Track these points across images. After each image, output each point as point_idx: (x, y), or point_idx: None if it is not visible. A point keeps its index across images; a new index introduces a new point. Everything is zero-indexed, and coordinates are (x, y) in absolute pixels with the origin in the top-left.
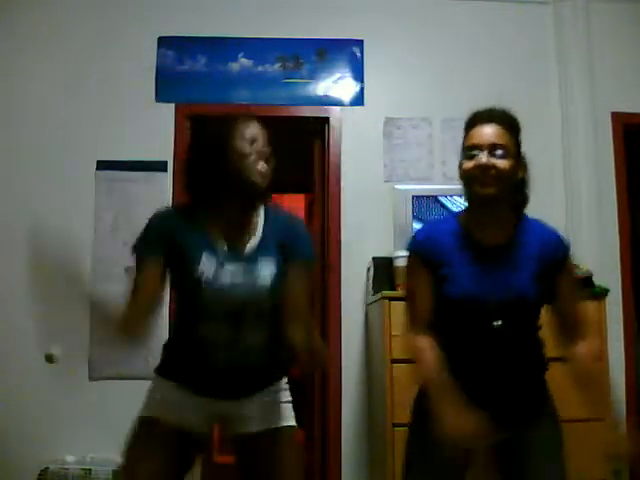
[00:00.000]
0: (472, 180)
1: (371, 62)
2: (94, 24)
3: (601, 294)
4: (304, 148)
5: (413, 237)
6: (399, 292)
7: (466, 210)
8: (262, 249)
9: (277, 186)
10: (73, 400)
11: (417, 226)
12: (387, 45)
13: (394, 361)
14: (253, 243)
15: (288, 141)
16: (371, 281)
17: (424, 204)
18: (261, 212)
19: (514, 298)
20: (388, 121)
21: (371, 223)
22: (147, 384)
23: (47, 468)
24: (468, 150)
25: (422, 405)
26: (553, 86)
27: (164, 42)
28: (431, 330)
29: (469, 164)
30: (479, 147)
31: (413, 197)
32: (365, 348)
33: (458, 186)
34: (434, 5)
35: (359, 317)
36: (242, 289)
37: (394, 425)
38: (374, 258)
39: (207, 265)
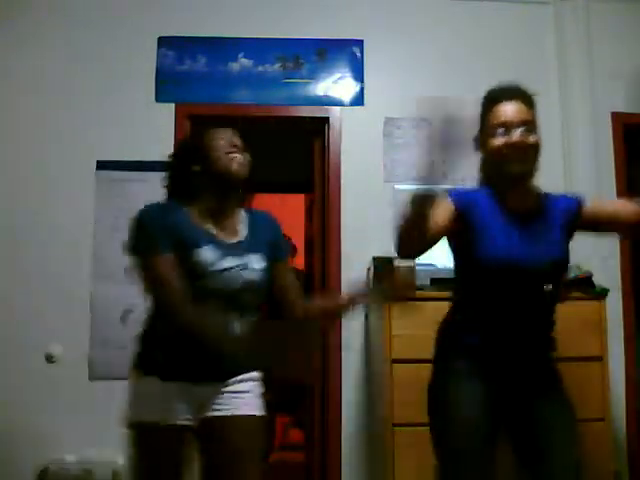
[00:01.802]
0: (505, 158)
1: (371, 62)
2: (94, 24)
3: (601, 294)
4: (304, 148)
5: (450, 190)
6: None
7: (492, 185)
8: (252, 245)
9: (277, 186)
10: (73, 400)
11: None
12: (387, 45)
13: (394, 361)
14: (241, 237)
15: (288, 141)
16: (371, 281)
17: None
18: (241, 211)
19: (556, 261)
20: (388, 121)
21: (371, 223)
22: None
23: (47, 468)
24: (494, 128)
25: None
26: (553, 86)
27: (164, 42)
28: (461, 291)
29: (499, 142)
30: (508, 124)
31: None
32: (365, 348)
33: (458, 186)
34: (434, 5)
35: (359, 317)
36: (239, 277)
37: (394, 425)
38: (374, 258)
39: (210, 253)
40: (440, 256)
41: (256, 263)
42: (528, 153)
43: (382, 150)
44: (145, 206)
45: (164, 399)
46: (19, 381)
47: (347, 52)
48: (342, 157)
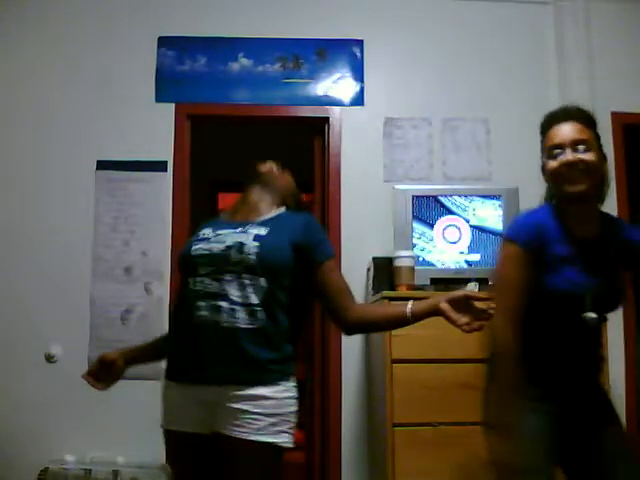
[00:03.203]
0: (560, 179)
1: (371, 62)
2: (94, 24)
3: None
4: (304, 148)
5: (515, 223)
6: (399, 292)
7: (556, 206)
8: (260, 225)
9: None
10: (73, 400)
11: (417, 226)
12: (387, 45)
13: (394, 361)
14: (257, 219)
15: (288, 141)
16: (371, 281)
17: (424, 204)
18: (281, 208)
19: (615, 293)
20: (388, 121)
21: (371, 223)
22: (147, 384)
23: (47, 468)
24: (550, 150)
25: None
26: (553, 86)
27: (164, 42)
28: (518, 321)
29: (554, 163)
30: (561, 145)
31: (413, 197)
32: (365, 348)
33: (458, 186)
34: (434, 5)
35: None
36: (226, 240)
37: (394, 425)
38: (374, 258)
39: (206, 229)
40: (440, 256)
41: (256, 232)
42: (582, 172)
43: (382, 150)
44: None
45: (180, 405)
46: (19, 381)
47: (347, 52)
48: (342, 157)
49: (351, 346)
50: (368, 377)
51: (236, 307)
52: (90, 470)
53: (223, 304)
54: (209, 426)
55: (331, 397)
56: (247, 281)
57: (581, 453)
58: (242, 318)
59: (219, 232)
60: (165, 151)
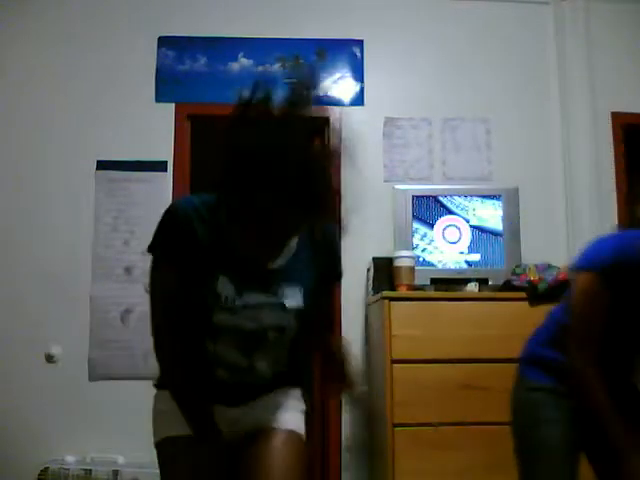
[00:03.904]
0: None
1: (371, 62)
2: (94, 24)
3: None
4: None
5: (602, 251)
6: (399, 292)
7: None
8: (290, 272)
9: None
10: (73, 400)
11: (417, 226)
12: (387, 45)
13: (394, 361)
14: (282, 260)
15: None
16: (371, 281)
17: (424, 204)
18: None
19: None
20: (388, 121)
21: (371, 223)
22: (147, 384)
23: (47, 468)
24: None
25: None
26: (553, 86)
27: (164, 42)
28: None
29: None
30: None
31: (413, 197)
32: (365, 348)
33: (458, 186)
34: (434, 5)
35: (359, 317)
36: (264, 326)
37: (394, 425)
38: (374, 258)
39: (226, 293)
40: (440, 256)
41: (293, 298)
42: None
43: (382, 150)
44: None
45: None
46: (19, 381)
47: (347, 52)
48: (342, 157)
49: (351, 346)
50: (368, 377)
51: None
52: (90, 470)
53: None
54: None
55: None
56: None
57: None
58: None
59: (247, 299)
60: (165, 151)
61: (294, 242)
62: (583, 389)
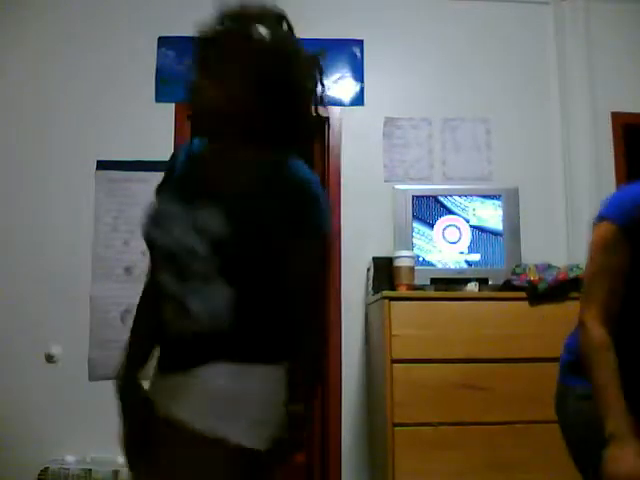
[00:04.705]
0: None
1: (371, 62)
2: (94, 24)
3: None
4: None
5: (620, 201)
6: (399, 292)
7: None
8: (222, 198)
9: None
10: (73, 400)
11: (417, 226)
12: (387, 45)
13: (394, 361)
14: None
15: None
16: (371, 281)
17: (424, 204)
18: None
19: None
20: (388, 121)
21: (371, 223)
22: (146, 384)
23: (47, 468)
24: None
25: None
26: (553, 86)
27: (164, 42)
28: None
29: None
30: None
31: (413, 197)
32: (365, 348)
33: (458, 186)
34: (434, 5)
35: (359, 317)
36: (173, 231)
37: (394, 425)
38: (374, 258)
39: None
40: (440, 256)
41: (207, 216)
42: None
43: (382, 150)
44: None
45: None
46: (19, 381)
47: (347, 52)
48: (342, 157)
49: (351, 346)
50: (368, 377)
51: None
52: (90, 470)
53: None
54: None
55: (331, 397)
56: None
57: None
58: None
59: (162, 205)
60: (165, 151)
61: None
62: (586, 350)
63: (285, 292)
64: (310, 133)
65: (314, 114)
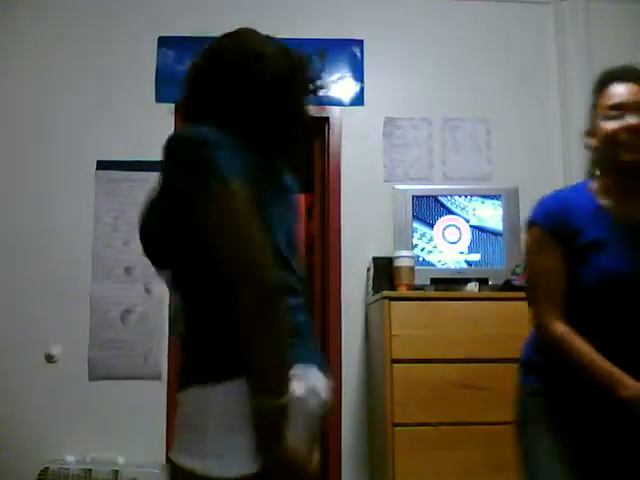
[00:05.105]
0: (618, 145)
1: (371, 62)
2: (94, 24)
3: None
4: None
5: (541, 205)
6: (399, 292)
7: (599, 180)
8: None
9: None
10: (73, 400)
11: (417, 226)
12: (387, 45)
13: (394, 361)
14: None
15: None
16: (371, 281)
17: (424, 204)
18: None
19: None
20: (388, 121)
21: (371, 223)
22: (146, 384)
23: (47, 468)
24: (607, 110)
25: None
26: (553, 86)
27: (164, 42)
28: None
29: (611, 125)
30: (625, 107)
31: (413, 197)
32: (365, 348)
33: (458, 186)
34: (434, 5)
35: (359, 317)
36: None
37: (394, 425)
38: (374, 258)
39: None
40: (440, 256)
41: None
42: None
43: (382, 150)
44: None
45: None
46: (19, 381)
47: (347, 52)
48: (342, 157)
49: (351, 346)
50: (368, 377)
51: None
52: (90, 470)
53: None
54: None
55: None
56: None
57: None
58: None
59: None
60: None
61: None
62: (555, 343)
63: (227, 286)
64: (295, 133)
65: (299, 113)
